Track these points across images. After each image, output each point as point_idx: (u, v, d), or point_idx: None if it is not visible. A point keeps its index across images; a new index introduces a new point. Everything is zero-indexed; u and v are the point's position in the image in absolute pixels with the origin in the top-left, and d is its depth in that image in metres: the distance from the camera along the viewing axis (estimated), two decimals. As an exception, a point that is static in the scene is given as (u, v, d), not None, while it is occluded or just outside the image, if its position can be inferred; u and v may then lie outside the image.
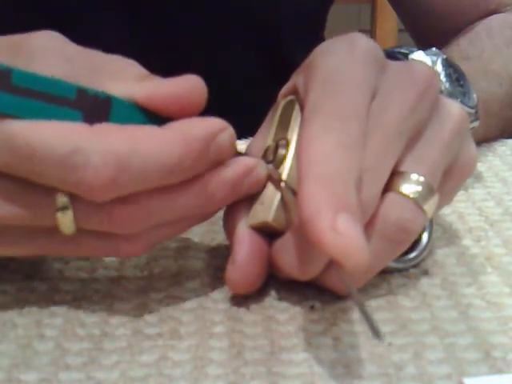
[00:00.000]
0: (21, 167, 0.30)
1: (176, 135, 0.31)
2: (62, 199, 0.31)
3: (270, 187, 0.34)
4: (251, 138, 0.38)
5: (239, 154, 0.35)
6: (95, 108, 0.31)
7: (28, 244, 0.33)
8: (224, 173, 0.33)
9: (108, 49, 0.34)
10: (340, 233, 0.28)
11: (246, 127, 0.42)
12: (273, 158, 0.35)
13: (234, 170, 0.33)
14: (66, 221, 0.31)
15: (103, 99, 0.31)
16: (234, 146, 0.33)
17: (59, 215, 0.31)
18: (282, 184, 0.34)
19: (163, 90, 0.32)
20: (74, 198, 0.31)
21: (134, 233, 0.32)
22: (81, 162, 0.29)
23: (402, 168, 0.33)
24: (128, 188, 0.31)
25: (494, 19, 0.62)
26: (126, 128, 0.31)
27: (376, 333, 0.28)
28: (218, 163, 0.33)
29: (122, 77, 0.33)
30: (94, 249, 0.33)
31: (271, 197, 0.34)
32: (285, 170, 0.34)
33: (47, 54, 0.32)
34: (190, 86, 0.33)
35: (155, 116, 0.32)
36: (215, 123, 0.32)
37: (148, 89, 0.32)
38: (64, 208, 0.31)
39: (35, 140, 0.29)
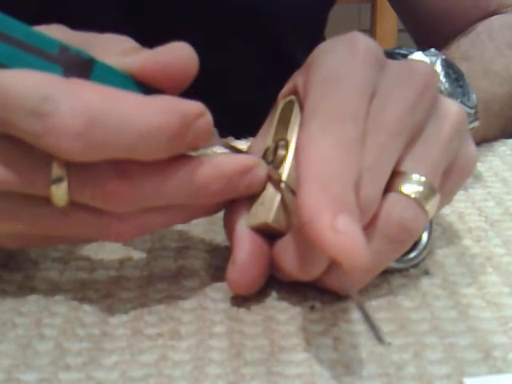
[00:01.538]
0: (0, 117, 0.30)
1: (156, 105, 0.30)
2: (57, 171, 0.31)
3: (270, 188, 0.34)
4: (252, 138, 0.38)
5: (241, 151, 0.35)
6: (76, 66, 0.31)
7: (19, 214, 0.33)
8: (221, 165, 0.33)
9: None
10: (340, 232, 0.28)
11: (246, 127, 0.42)
12: (272, 158, 0.35)
13: (231, 164, 0.33)
14: (59, 193, 0.31)
15: (86, 60, 0.31)
16: (210, 133, 0.32)
17: (54, 188, 0.31)
18: (282, 185, 0.34)
19: (150, 58, 0.32)
20: (69, 168, 0.31)
21: (125, 212, 0.32)
22: (50, 110, 0.29)
23: (403, 168, 0.33)
24: (100, 149, 0.30)
25: (494, 20, 0.62)
26: (103, 86, 0.30)
27: (377, 335, 0.28)
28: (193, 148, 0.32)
29: (111, 52, 0.33)
30: (85, 226, 0.33)
31: (271, 198, 0.34)
32: (285, 171, 0.34)
33: None
34: (178, 52, 0.32)
35: (144, 89, 0.32)
36: (196, 106, 0.31)
37: (135, 59, 0.32)
38: (59, 180, 0.31)
39: (10, 88, 0.30)
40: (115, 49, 0.33)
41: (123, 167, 0.31)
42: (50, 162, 0.31)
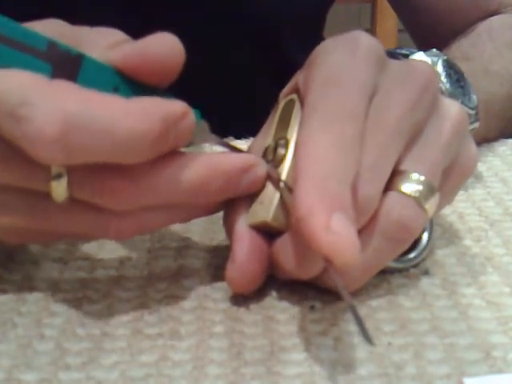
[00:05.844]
0: None
1: (137, 109, 0.30)
2: (57, 167, 0.31)
3: (270, 187, 0.34)
4: (252, 138, 0.38)
5: (240, 151, 0.35)
6: (65, 63, 0.31)
7: (18, 209, 0.33)
8: (222, 164, 0.33)
9: None
10: (334, 232, 0.28)
11: (246, 127, 0.42)
12: (272, 157, 0.35)
13: (232, 163, 0.33)
14: (59, 188, 0.31)
15: (74, 56, 0.31)
16: (192, 132, 0.32)
17: (53, 183, 0.31)
18: (282, 184, 0.34)
19: (131, 51, 0.32)
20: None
21: (125, 210, 0.32)
22: (25, 115, 0.29)
23: (403, 167, 0.33)
24: (80, 154, 0.29)
25: (494, 20, 0.62)
26: (84, 89, 0.30)
27: (367, 337, 0.28)
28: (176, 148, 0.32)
29: (99, 45, 0.32)
30: (84, 222, 0.33)
31: (271, 196, 0.34)
32: (284, 170, 0.34)
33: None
34: (161, 44, 0.32)
35: (133, 84, 0.31)
36: (178, 106, 0.31)
37: (117, 52, 0.32)
38: (59, 175, 0.31)
39: None
40: (103, 42, 0.33)
41: (123, 164, 0.31)
42: None
